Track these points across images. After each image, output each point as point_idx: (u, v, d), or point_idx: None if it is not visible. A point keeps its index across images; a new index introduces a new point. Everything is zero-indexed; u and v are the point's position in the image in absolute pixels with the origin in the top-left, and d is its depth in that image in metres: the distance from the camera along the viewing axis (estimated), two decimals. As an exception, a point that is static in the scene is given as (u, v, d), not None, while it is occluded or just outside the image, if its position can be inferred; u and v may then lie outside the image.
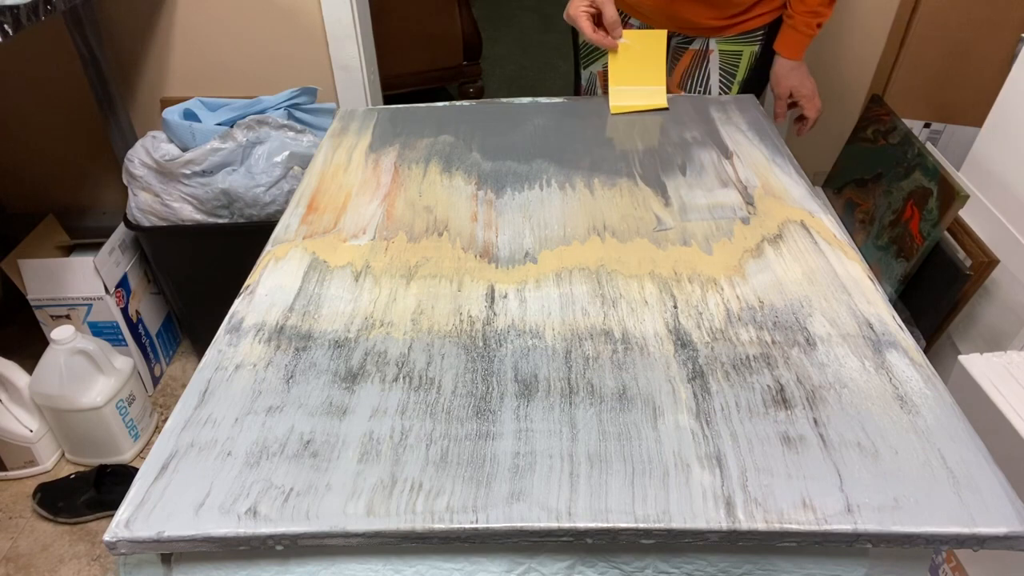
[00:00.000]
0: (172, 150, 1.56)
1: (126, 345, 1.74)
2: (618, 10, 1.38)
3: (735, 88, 1.40)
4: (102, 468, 1.54)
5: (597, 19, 1.22)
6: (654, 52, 1.22)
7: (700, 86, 1.39)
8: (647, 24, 1.39)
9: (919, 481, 0.57)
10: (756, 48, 1.36)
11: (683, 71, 1.40)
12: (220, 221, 1.59)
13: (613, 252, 0.87)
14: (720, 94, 1.39)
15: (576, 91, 1.57)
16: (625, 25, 1.40)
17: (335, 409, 0.66)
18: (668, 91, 1.30)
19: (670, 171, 1.04)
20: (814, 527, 0.54)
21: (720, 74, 1.38)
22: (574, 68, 1.56)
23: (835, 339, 0.72)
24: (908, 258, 1.38)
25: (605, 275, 0.83)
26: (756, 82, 1.40)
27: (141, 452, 1.67)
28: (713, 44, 1.36)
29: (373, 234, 0.92)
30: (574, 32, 1.49)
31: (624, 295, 0.79)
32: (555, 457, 0.61)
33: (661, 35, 1.21)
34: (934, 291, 1.35)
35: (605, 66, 1.45)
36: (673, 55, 1.42)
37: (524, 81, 3.32)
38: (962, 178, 1.37)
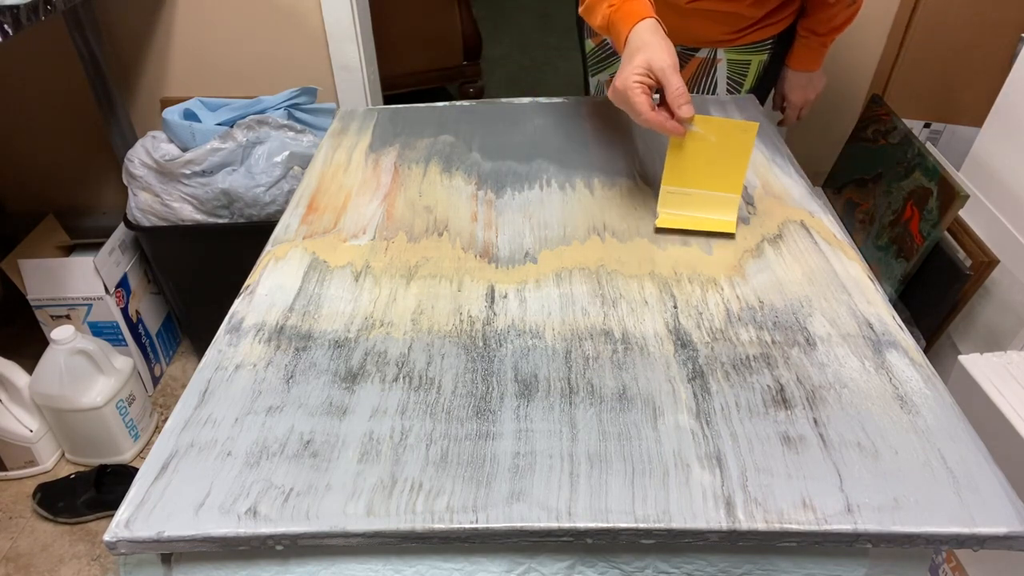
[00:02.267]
0: (172, 150, 1.56)
1: (126, 345, 1.74)
2: None
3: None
4: (102, 468, 1.54)
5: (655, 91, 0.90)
6: (736, 150, 0.85)
7: (707, 93, 1.35)
8: None
9: (919, 481, 0.57)
10: (765, 57, 1.33)
11: (688, 78, 1.35)
12: (220, 221, 1.59)
13: (613, 252, 0.87)
14: None
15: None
16: None
17: (335, 409, 0.66)
18: None
19: (670, 171, 1.04)
20: (814, 527, 0.54)
21: (728, 83, 1.34)
22: (583, 75, 1.51)
23: (835, 339, 0.72)
24: (908, 258, 1.38)
25: (605, 275, 0.83)
26: (763, 90, 1.38)
27: (141, 452, 1.67)
28: (721, 53, 1.31)
29: (373, 234, 0.92)
30: (580, 35, 1.46)
31: (624, 295, 0.79)
32: (555, 457, 0.61)
33: (752, 128, 0.84)
34: (934, 291, 1.35)
35: (602, 80, 1.42)
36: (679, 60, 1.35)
37: (524, 81, 3.32)
38: (962, 178, 1.37)
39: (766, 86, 1.39)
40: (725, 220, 0.88)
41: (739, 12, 1.23)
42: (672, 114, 0.85)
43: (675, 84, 0.84)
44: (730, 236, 0.87)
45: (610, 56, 1.41)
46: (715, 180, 0.87)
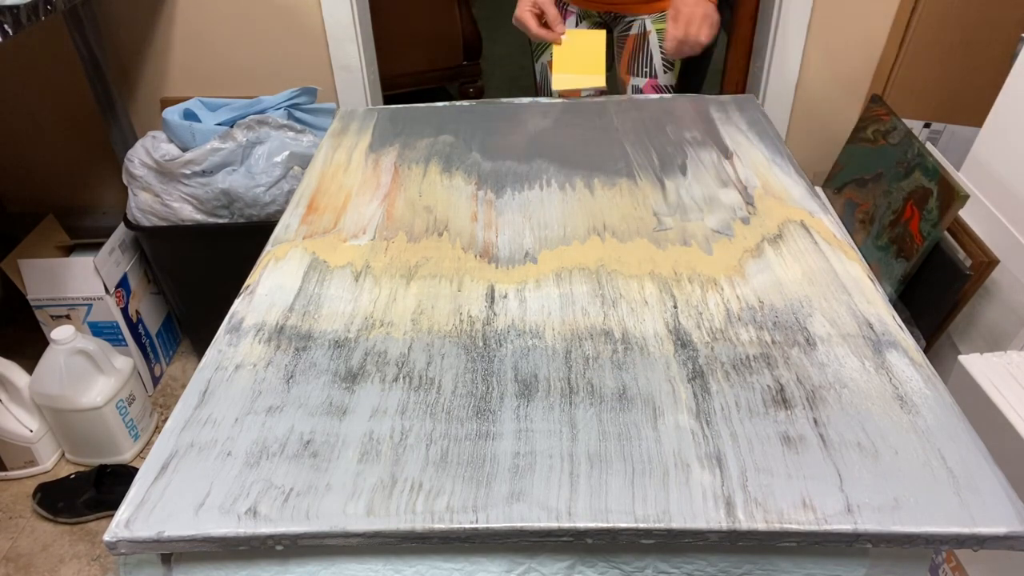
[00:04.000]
0: (172, 150, 1.56)
1: (126, 345, 1.73)
2: (558, 1, 1.51)
3: (677, 66, 1.47)
4: (102, 468, 1.54)
5: (542, 19, 1.40)
6: (594, 48, 1.38)
7: (646, 67, 1.47)
8: (585, 9, 1.51)
9: (919, 481, 0.57)
10: None
11: (628, 56, 1.49)
12: (220, 221, 1.59)
13: (613, 252, 0.87)
14: (664, 72, 1.47)
15: (534, 85, 1.65)
16: (564, 13, 1.53)
17: (335, 409, 0.66)
18: (619, 80, 1.50)
19: (670, 171, 1.04)
20: (814, 527, 0.54)
21: (662, 52, 1.45)
22: (532, 65, 1.66)
23: (835, 339, 0.72)
24: (908, 258, 1.38)
25: (605, 275, 0.83)
26: (697, 60, 1.48)
27: (141, 452, 1.66)
28: (650, 25, 1.44)
29: (373, 234, 0.92)
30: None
31: (624, 295, 0.79)
32: (555, 457, 0.61)
33: (600, 35, 1.38)
34: (934, 291, 1.35)
35: (545, 62, 1.57)
36: (617, 43, 1.51)
37: (524, 81, 3.32)
38: (962, 178, 1.37)
39: (700, 56, 1.43)
40: (595, 83, 1.38)
41: None
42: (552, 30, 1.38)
43: (552, 12, 1.39)
44: (603, 90, 1.38)
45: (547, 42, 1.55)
46: (585, 65, 1.39)
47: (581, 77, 1.38)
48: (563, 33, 1.38)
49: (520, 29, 1.42)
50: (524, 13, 1.38)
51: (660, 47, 1.44)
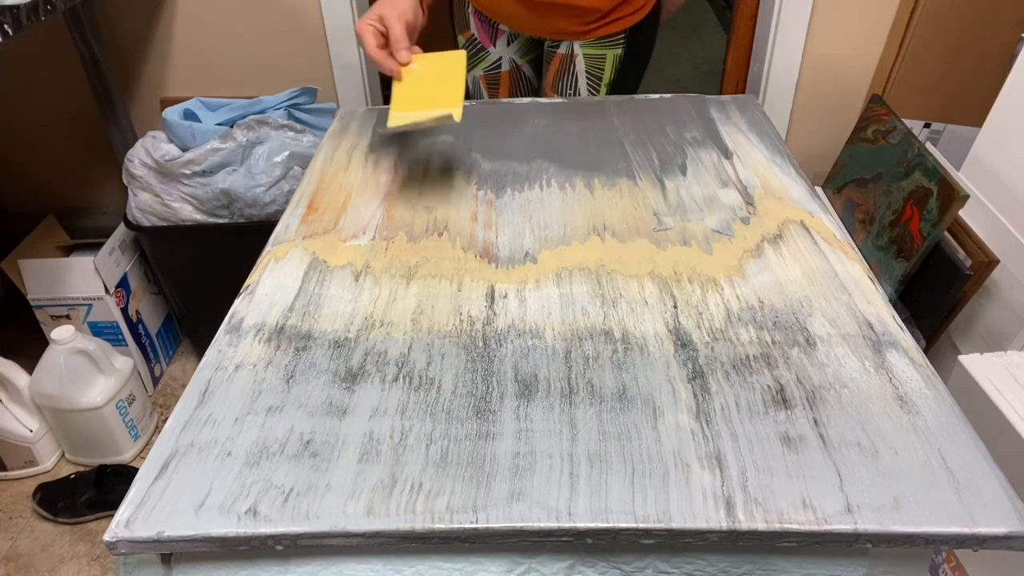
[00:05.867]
0: (172, 150, 1.56)
1: (126, 345, 1.74)
2: (487, 17, 1.41)
3: (603, 90, 1.44)
4: (102, 468, 1.54)
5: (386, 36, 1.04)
6: (449, 73, 1.01)
7: (570, 89, 1.43)
8: (515, 31, 1.42)
9: (919, 481, 0.57)
10: (619, 51, 1.39)
11: (554, 74, 1.44)
12: (220, 221, 1.59)
13: (613, 252, 0.87)
14: (589, 95, 1.43)
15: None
16: (495, 32, 1.43)
17: (335, 409, 0.66)
18: (543, 94, 1.33)
19: (670, 171, 1.04)
20: (814, 527, 0.54)
21: (587, 77, 1.42)
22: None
23: (835, 339, 0.72)
24: (908, 258, 1.38)
25: (605, 275, 0.83)
26: (624, 83, 1.44)
27: (141, 452, 1.67)
28: (578, 48, 1.39)
29: (373, 234, 0.92)
30: (453, 31, 1.51)
31: (624, 295, 0.79)
32: (555, 457, 0.61)
33: (459, 57, 1.02)
34: (934, 291, 1.35)
35: (485, 70, 1.49)
36: (546, 57, 1.46)
37: (524, 81, 3.32)
38: (962, 178, 1.37)
39: (625, 81, 1.44)
40: (449, 113, 0.95)
41: (588, 6, 1.31)
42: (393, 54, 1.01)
43: (396, 32, 1.00)
44: (453, 120, 0.96)
45: (478, 52, 1.47)
46: (436, 100, 0.98)
47: (426, 112, 0.97)
48: (407, 63, 1.01)
49: (360, 45, 1.06)
50: (363, 26, 1.01)
51: (586, 71, 1.40)
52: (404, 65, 1.00)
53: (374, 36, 1.00)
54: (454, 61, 1.02)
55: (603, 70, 1.41)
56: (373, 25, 1.01)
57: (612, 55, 1.39)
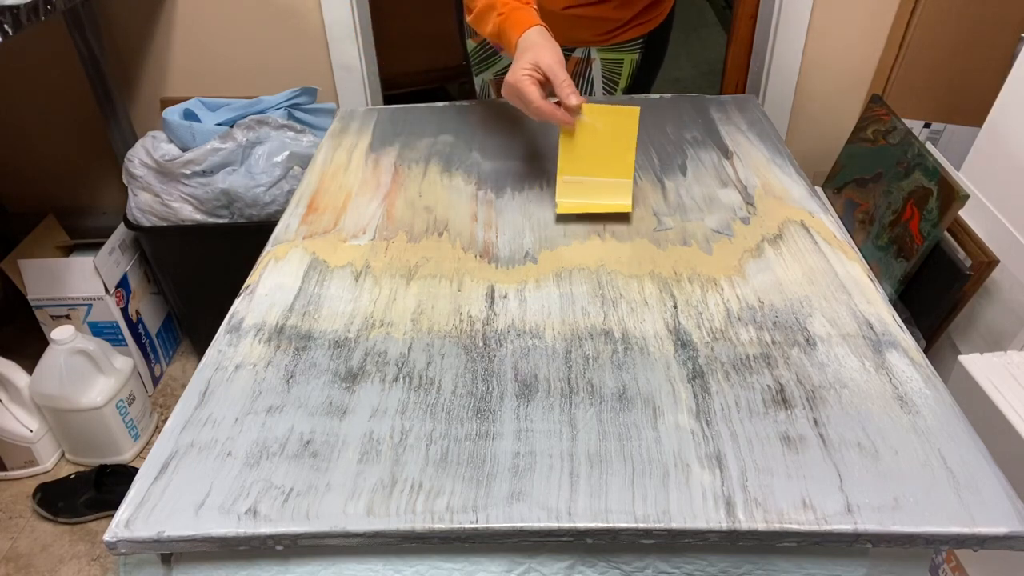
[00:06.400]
0: (172, 150, 1.56)
1: (126, 345, 1.73)
2: None
3: (618, 92, 1.43)
4: (102, 468, 1.54)
5: (547, 87, 0.94)
6: (623, 135, 0.91)
7: (585, 93, 1.41)
8: None
9: (919, 481, 0.57)
10: (636, 56, 1.38)
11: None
12: (220, 221, 1.59)
13: (613, 252, 0.87)
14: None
15: (473, 97, 1.54)
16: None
17: (335, 409, 0.66)
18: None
19: (670, 171, 1.04)
20: (814, 527, 0.54)
21: (603, 81, 1.41)
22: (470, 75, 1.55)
23: (835, 339, 0.72)
24: (908, 258, 1.38)
25: (605, 275, 0.83)
26: (639, 87, 1.43)
27: (141, 452, 1.66)
28: (595, 53, 1.37)
29: (373, 234, 0.92)
30: (461, 37, 1.48)
31: (624, 295, 0.79)
32: (555, 457, 0.61)
33: (634, 113, 0.91)
34: (934, 291, 1.35)
35: (496, 73, 1.46)
36: None
37: (524, 81, 3.32)
38: (962, 178, 1.37)
39: (641, 84, 1.43)
40: (621, 203, 0.93)
41: (607, 16, 1.30)
42: (562, 103, 0.90)
43: (561, 77, 0.90)
44: (626, 215, 0.92)
45: (491, 56, 1.45)
46: (607, 166, 0.92)
47: (598, 185, 0.91)
48: (578, 105, 0.89)
49: (513, 103, 0.95)
50: (522, 80, 0.90)
51: (603, 75, 1.39)
52: (575, 109, 0.90)
53: (535, 85, 0.90)
54: (627, 120, 0.91)
55: (620, 75, 1.40)
56: (530, 75, 0.90)
57: (629, 60, 1.38)
